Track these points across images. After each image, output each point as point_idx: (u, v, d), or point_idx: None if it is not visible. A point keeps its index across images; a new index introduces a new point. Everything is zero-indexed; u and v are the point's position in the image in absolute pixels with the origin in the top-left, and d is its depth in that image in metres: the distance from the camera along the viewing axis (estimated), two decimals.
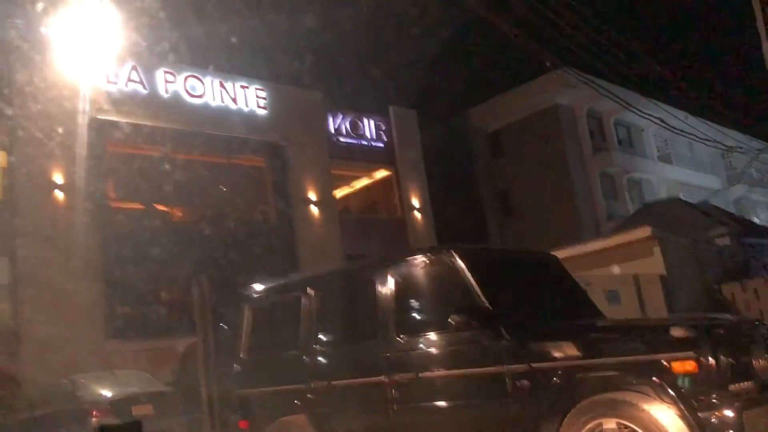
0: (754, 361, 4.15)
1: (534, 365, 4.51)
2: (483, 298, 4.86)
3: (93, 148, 15.68)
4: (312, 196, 20.39)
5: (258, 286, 6.95)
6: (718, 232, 15.78)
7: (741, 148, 19.20)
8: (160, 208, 17.87)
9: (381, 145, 23.14)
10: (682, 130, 15.37)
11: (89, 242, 15.11)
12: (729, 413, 3.87)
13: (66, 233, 14.86)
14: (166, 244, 15.61)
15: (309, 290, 6.20)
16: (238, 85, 19.25)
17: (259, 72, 20.22)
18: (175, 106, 17.66)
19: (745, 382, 4.03)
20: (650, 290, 11.67)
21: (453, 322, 4.77)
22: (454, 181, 27.79)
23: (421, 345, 5.20)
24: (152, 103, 17.22)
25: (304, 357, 5.99)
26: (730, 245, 15.38)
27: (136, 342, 14.90)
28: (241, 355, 6.67)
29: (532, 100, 28.30)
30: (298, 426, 5.88)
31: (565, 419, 4.31)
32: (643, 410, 3.98)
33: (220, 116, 18.54)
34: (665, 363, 4.04)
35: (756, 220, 26.79)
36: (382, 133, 23.19)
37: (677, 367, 3.99)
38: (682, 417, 3.93)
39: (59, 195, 15.26)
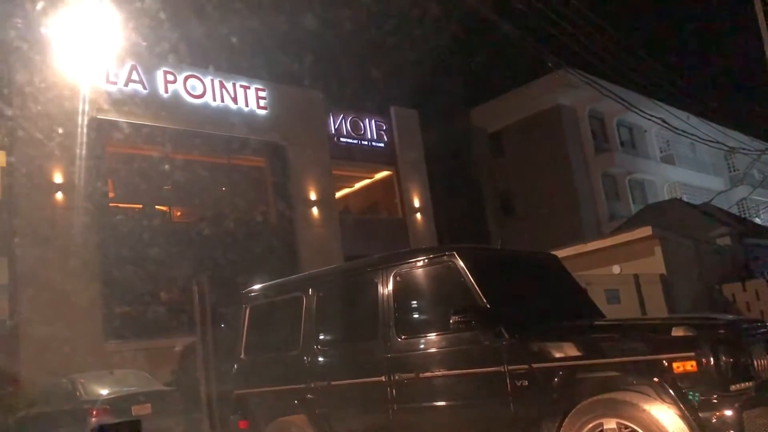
0: (754, 362, 4.14)
1: (534, 365, 4.51)
2: (483, 299, 4.85)
3: (92, 148, 15.68)
4: (312, 196, 20.38)
5: (258, 286, 6.94)
6: (719, 232, 15.76)
7: (743, 148, 19.15)
8: (160, 208, 17.87)
9: (382, 145, 23.14)
10: (684, 131, 15.34)
11: (89, 242, 15.11)
12: (729, 413, 3.86)
13: (65, 233, 14.85)
14: (165, 244, 15.61)
15: (309, 290, 6.19)
16: (238, 85, 19.24)
17: (259, 72, 20.23)
18: (175, 106, 17.65)
19: (746, 383, 4.02)
20: (651, 290, 11.65)
21: (453, 323, 4.76)
22: (456, 182, 27.77)
23: (421, 345, 5.20)
24: (152, 103, 17.21)
25: (304, 357, 5.98)
26: (731, 245, 15.36)
27: (136, 342, 14.89)
28: (241, 355, 6.66)
29: (534, 101, 28.29)
30: (298, 426, 5.87)
31: (566, 419, 4.30)
32: (644, 410, 3.98)
33: (221, 116, 18.52)
34: (666, 363, 4.03)
35: (757, 221, 26.75)
36: (383, 133, 23.19)
37: (678, 367, 3.98)
38: (683, 417, 3.92)
39: (59, 195, 15.25)
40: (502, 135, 30.17)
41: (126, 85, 16.89)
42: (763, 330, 4.50)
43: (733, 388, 3.95)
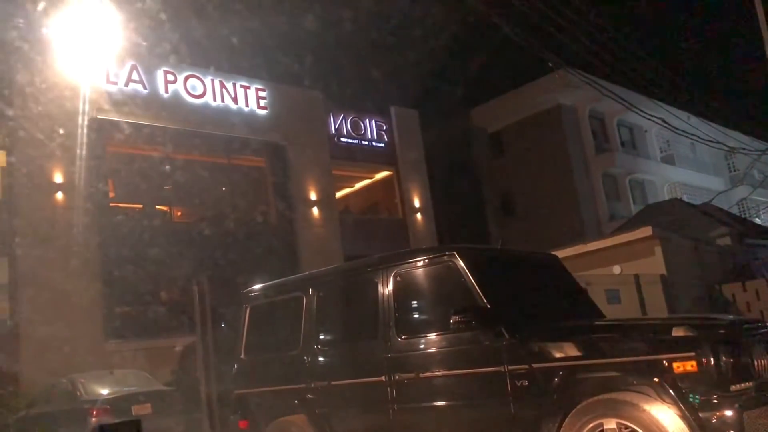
0: (755, 362, 4.13)
1: (534, 365, 4.50)
2: (483, 299, 4.84)
3: (93, 148, 15.68)
4: (312, 196, 20.38)
5: (258, 286, 6.94)
6: (719, 232, 15.77)
7: (743, 149, 19.13)
8: (160, 208, 17.86)
9: (382, 145, 23.13)
10: (684, 131, 15.33)
11: (89, 242, 15.11)
12: (730, 413, 3.85)
13: (66, 233, 14.86)
14: (165, 244, 15.60)
15: (309, 290, 6.19)
16: (238, 85, 19.23)
17: (259, 72, 20.23)
18: (175, 106, 17.65)
19: (746, 383, 4.01)
20: (651, 290, 11.65)
21: (453, 323, 4.75)
22: (456, 182, 27.76)
23: (421, 345, 5.20)
24: (152, 103, 17.20)
25: (304, 357, 5.97)
26: (732, 246, 15.36)
27: (136, 341, 14.89)
28: (241, 355, 6.66)
29: (535, 101, 28.26)
30: (298, 426, 5.87)
31: (566, 419, 4.30)
32: (644, 410, 3.97)
33: (221, 116, 18.52)
34: (666, 363, 4.03)
35: (758, 221, 26.75)
36: (383, 133, 23.18)
37: (678, 367, 3.97)
38: (683, 417, 3.92)
39: (59, 195, 15.25)
40: (502, 135, 30.15)
41: (126, 85, 16.89)
42: (763, 330, 4.49)
43: (733, 388, 3.94)
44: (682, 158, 32.90)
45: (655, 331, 4.45)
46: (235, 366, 6.70)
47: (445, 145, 27.68)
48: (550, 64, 12.55)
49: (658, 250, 12.37)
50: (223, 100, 18.75)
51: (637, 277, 11.58)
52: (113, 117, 16.44)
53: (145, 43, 16.38)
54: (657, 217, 17.53)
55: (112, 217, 16.19)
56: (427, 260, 5.38)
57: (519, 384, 4.53)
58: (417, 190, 23.49)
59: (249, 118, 19.17)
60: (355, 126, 22.56)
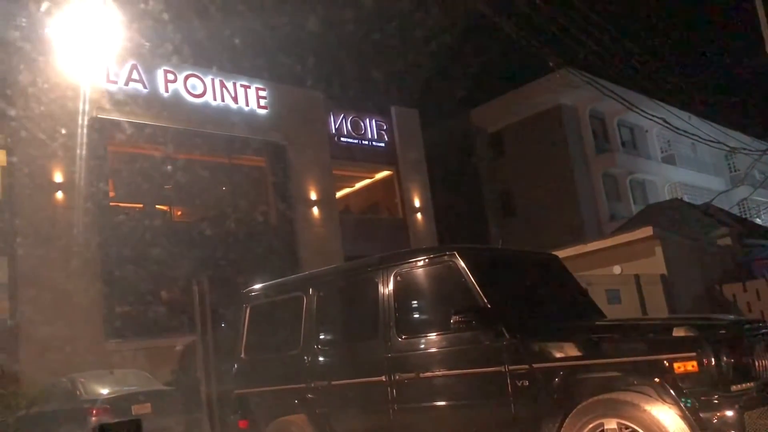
0: (755, 362, 4.13)
1: (535, 365, 4.50)
2: (484, 298, 4.84)
3: (93, 148, 15.68)
4: (313, 196, 20.37)
5: (258, 286, 6.93)
6: (719, 232, 15.75)
7: (744, 149, 19.12)
8: (161, 207, 17.86)
9: (382, 145, 23.12)
10: (685, 131, 15.31)
11: (89, 242, 15.10)
12: (730, 414, 3.85)
13: (66, 233, 14.85)
14: (166, 244, 15.60)
15: (309, 290, 6.19)
16: (238, 84, 19.22)
17: (260, 71, 20.23)
18: (175, 105, 17.64)
19: (747, 383, 4.01)
20: (651, 290, 11.64)
21: (454, 322, 4.75)
22: (456, 182, 27.76)
23: (421, 345, 5.19)
24: (153, 102, 17.19)
25: (304, 357, 5.97)
26: (732, 246, 15.34)
27: (136, 341, 14.87)
28: (241, 355, 6.65)
29: (535, 101, 28.24)
30: (298, 426, 5.87)
31: (566, 419, 4.30)
32: (645, 411, 3.97)
33: (221, 116, 18.51)
34: (667, 363, 4.02)
35: (758, 221, 26.74)
36: (383, 133, 23.17)
37: (679, 367, 3.97)
38: (684, 417, 3.92)
39: (59, 194, 15.24)
40: (503, 135, 30.14)
41: (126, 84, 16.88)
42: (764, 330, 4.49)
43: (734, 388, 3.94)
44: (682, 158, 32.89)
45: (656, 331, 4.45)
46: (235, 366, 6.70)
47: (445, 145, 27.68)
48: (551, 64, 12.53)
49: (659, 250, 12.35)
50: (223, 100, 18.74)
51: (637, 277, 11.56)
52: (113, 116, 16.42)
53: (145, 43, 16.39)
54: (657, 217, 17.53)
55: (113, 216, 16.17)
56: (427, 260, 5.38)
57: (519, 384, 4.53)
58: (417, 190, 23.48)
59: (249, 118, 19.17)
60: (355, 126, 22.55)
